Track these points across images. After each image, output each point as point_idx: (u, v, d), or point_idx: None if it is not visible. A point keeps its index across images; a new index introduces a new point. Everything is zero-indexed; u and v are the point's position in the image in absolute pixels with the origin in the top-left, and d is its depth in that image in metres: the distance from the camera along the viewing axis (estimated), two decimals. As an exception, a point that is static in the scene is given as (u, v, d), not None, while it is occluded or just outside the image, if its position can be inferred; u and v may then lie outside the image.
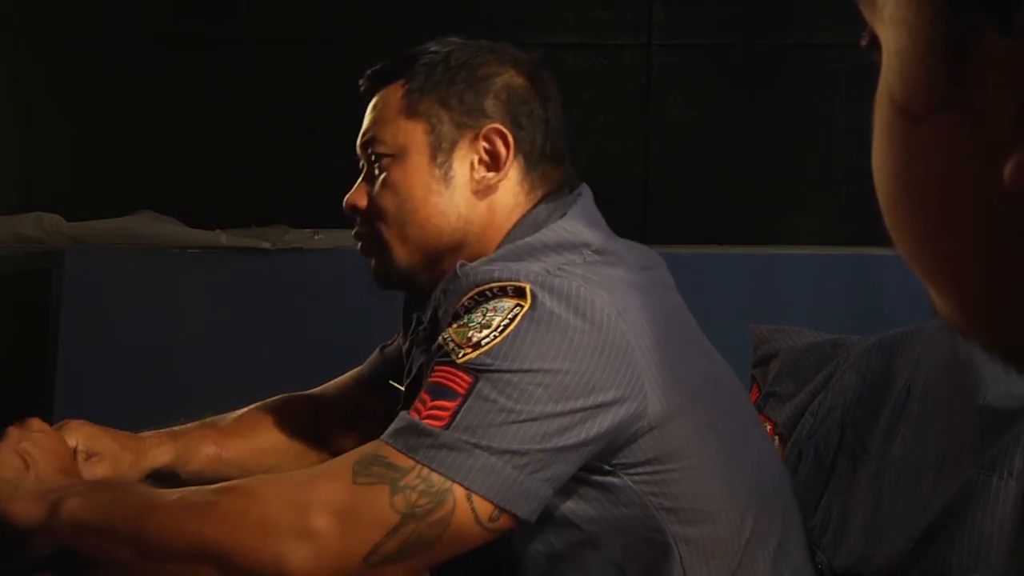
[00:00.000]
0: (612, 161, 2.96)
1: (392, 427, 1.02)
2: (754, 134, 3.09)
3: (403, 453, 0.98)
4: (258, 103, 3.26)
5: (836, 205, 3.08)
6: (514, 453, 0.98)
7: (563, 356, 1.01)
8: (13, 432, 1.12)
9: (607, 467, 1.07)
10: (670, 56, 3.08)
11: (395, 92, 1.19)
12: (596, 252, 1.13)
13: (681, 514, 1.09)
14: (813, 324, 1.63)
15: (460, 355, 1.01)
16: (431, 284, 1.18)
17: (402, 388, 1.27)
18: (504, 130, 1.16)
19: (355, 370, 1.47)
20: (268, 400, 1.45)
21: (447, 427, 0.98)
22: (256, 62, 3.26)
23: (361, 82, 1.24)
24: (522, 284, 1.04)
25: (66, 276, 1.42)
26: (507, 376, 1.00)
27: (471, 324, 1.03)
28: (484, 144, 1.16)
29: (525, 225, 1.16)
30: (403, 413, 1.03)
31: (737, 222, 2.96)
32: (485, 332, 1.02)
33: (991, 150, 0.32)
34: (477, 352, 1.01)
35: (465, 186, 1.16)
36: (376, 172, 1.19)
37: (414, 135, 1.16)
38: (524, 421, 0.99)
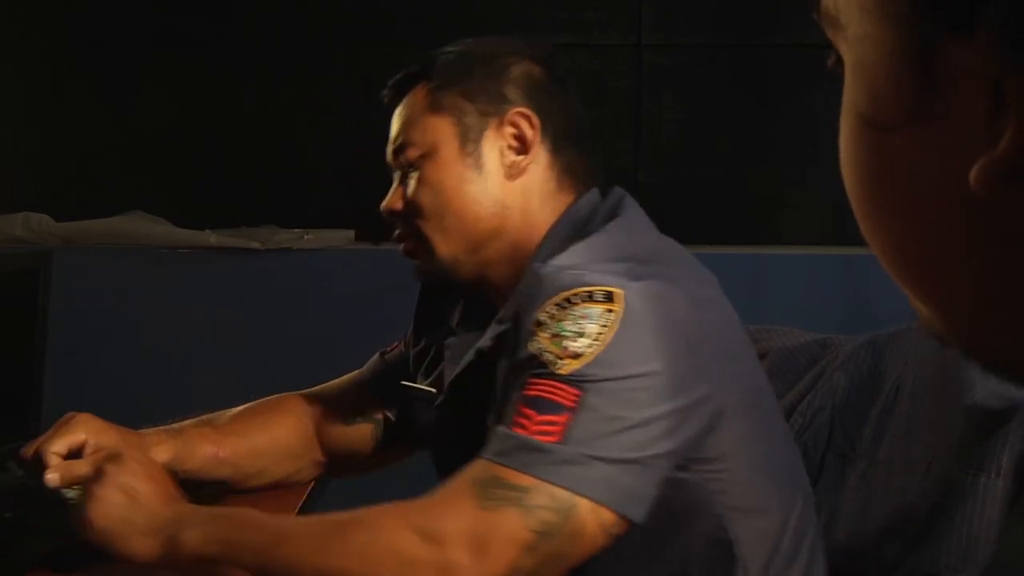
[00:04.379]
0: (602, 161, 2.96)
1: (496, 445, 1.02)
2: (745, 134, 3.09)
3: (521, 472, 1.00)
4: (247, 103, 3.25)
5: (827, 205, 3.08)
6: (629, 462, 1.01)
7: (657, 358, 1.03)
8: (110, 469, 1.12)
9: (680, 462, 1.08)
10: (660, 56, 3.08)
11: (418, 94, 1.24)
12: (661, 256, 1.16)
13: (741, 511, 1.11)
14: (804, 324, 1.63)
15: (560, 366, 1.02)
16: (474, 275, 1.20)
17: (425, 387, 1.28)
18: (528, 112, 1.19)
19: (353, 373, 1.46)
20: (265, 399, 1.45)
21: (562, 442, 1.00)
22: (245, 63, 3.25)
23: (384, 93, 1.29)
24: (610, 289, 1.05)
25: (54, 276, 1.42)
26: (612, 385, 1.02)
27: (564, 333, 1.04)
28: (510, 129, 1.19)
29: (572, 217, 1.18)
30: (503, 430, 1.03)
31: (728, 222, 2.96)
32: (582, 341, 1.03)
33: (958, 157, 0.33)
34: (579, 363, 1.02)
35: (497, 172, 1.19)
36: (410, 174, 1.22)
37: (442, 130, 1.20)
38: (633, 427, 1.02)
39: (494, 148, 1.19)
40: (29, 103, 3.25)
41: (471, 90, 1.20)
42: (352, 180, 3.24)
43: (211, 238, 3.01)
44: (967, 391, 1.17)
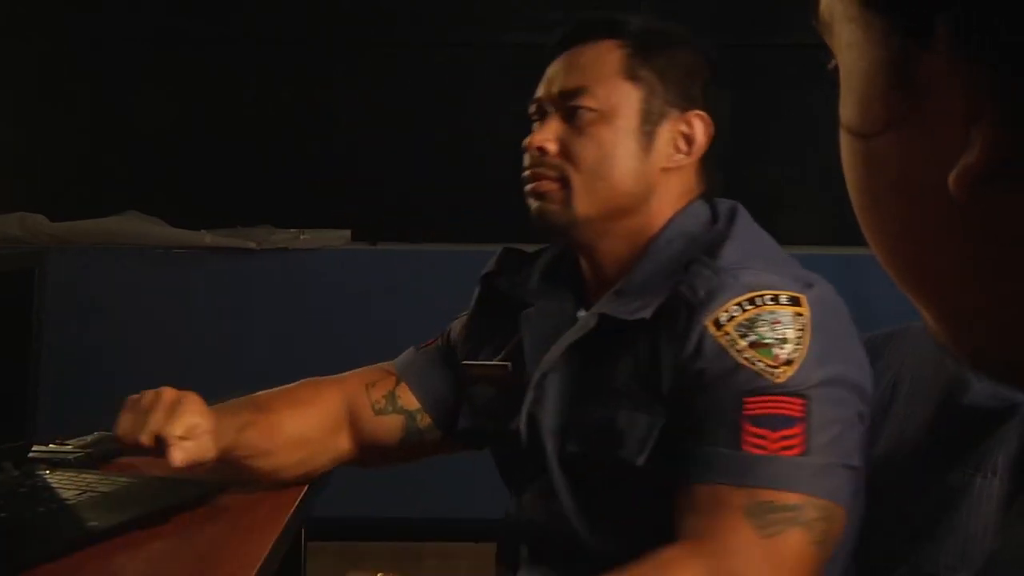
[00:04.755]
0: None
1: (735, 468, 1.06)
2: (743, 134, 3.09)
3: (787, 490, 1.04)
4: (243, 103, 3.25)
5: (827, 205, 3.08)
6: (853, 467, 1.08)
7: (846, 358, 1.10)
8: None
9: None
10: (657, 56, 3.08)
11: (610, 51, 1.22)
12: (790, 259, 1.22)
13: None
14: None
15: (777, 375, 1.07)
16: (590, 240, 1.21)
17: (497, 363, 1.28)
18: (707, 118, 1.22)
19: (382, 364, 1.43)
20: (296, 386, 1.39)
21: (806, 453, 1.05)
22: (242, 63, 3.24)
23: (564, 30, 1.26)
24: (795, 293, 1.10)
25: (49, 276, 1.41)
26: (824, 390, 1.07)
27: (766, 340, 1.08)
28: (684, 127, 1.21)
29: (690, 218, 1.21)
30: (732, 452, 1.06)
31: (724, 222, 2.96)
32: (788, 348, 1.07)
33: (938, 163, 0.34)
34: (792, 369, 1.07)
35: (659, 160, 1.21)
36: (574, 121, 1.21)
37: (629, 99, 1.20)
38: (851, 427, 1.09)
39: (665, 136, 1.21)
40: (25, 103, 3.24)
41: (666, 75, 1.22)
42: (348, 180, 3.23)
43: (207, 238, 3.01)
44: (964, 391, 1.17)
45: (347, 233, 3.10)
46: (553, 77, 1.24)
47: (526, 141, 1.23)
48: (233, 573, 1.13)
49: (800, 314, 1.10)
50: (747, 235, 1.20)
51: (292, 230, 3.05)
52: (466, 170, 3.22)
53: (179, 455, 1.16)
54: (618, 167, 1.20)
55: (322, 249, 3.04)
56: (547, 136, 1.21)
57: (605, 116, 1.20)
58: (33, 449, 1.42)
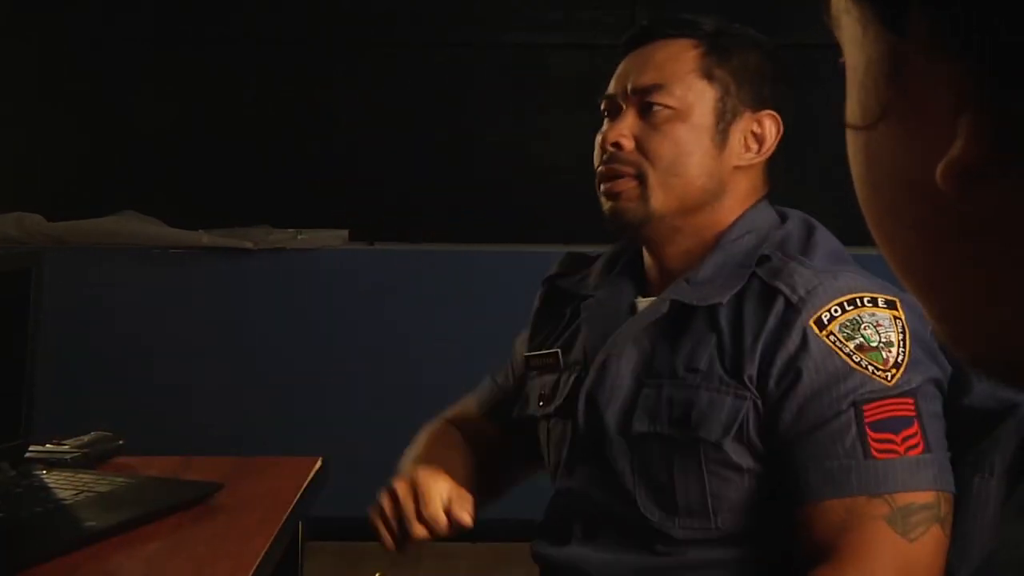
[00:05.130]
0: (597, 161, 2.96)
1: (868, 478, 1.08)
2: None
3: (923, 490, 1.08)
4: (241, 103, 3.25)
5: (825, 205, 3.08)
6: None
7: (935, 359, 1.14)
8: None
9: None
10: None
11: (686, 50, 1.25)
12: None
13: None
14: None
15: (889, 378, 1.11)
16: (663, 236, 1.24)
17: (550, 350, 1.30)
18: (778, 118, 1.25)
19: (468, 401, 1.43)
20: (433, 436, 1.40)
21: (929, 450, 1.10)
22: (240, 63, 3.24)
23: (640, 27, 1.28)
24: (891, 297, 1.15)
25: (46, 276, 1.41)
26: (924, 387, 1.12)
27: (872, 343, 1.12)
28: (755, 126, 1.24)
29: (760, 216, 1.25)
30: (864, 462, 1.09)
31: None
32: (894, 351, 1.12)
33: (928, 157, 0.34)
34: (900, 371, 1.11)
35: (731, 157, 1.24)
36: (650, 117, 1.23)
37: (704, 97, 1.23)
38: (943, 422, 1.13)
39: (738, 136, 1.24)
40: (23, 103, 3.24)
41: (741, 73, 1.24)
42: (346, 180, 3.23)
43: (204, 238, 3.01)
44: (963, 392, 1.17)
45: (344, 233, 3.10)
46: (627, 73, 1.25)
47: (600, 136, 1.24)
48: (230, 573, 1.12)
49: (898, 317, 1.14)
50: (833, 243, 1.24)
51: (290, 230, 3.05)
52: (464, 170, 3.22)
53: (466, 517, 1.19)
54: (693, 164, 1.22)
55: (320, 249, 3.04)
56: (623, 131, 1.22)
57: (681, 114, 1.22)
58: (30, 449, 1.42)
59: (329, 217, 3.11)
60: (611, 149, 1.22)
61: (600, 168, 1.23)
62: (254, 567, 1.13)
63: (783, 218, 1.26)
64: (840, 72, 0.40)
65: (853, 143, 0.38)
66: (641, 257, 1.30)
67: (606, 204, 1.24)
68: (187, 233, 3.01)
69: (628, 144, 1.22)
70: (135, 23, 3.20)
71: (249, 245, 3.00)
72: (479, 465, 1.35)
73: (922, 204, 0.35)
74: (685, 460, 1.16)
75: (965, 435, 1.14)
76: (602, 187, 1.23)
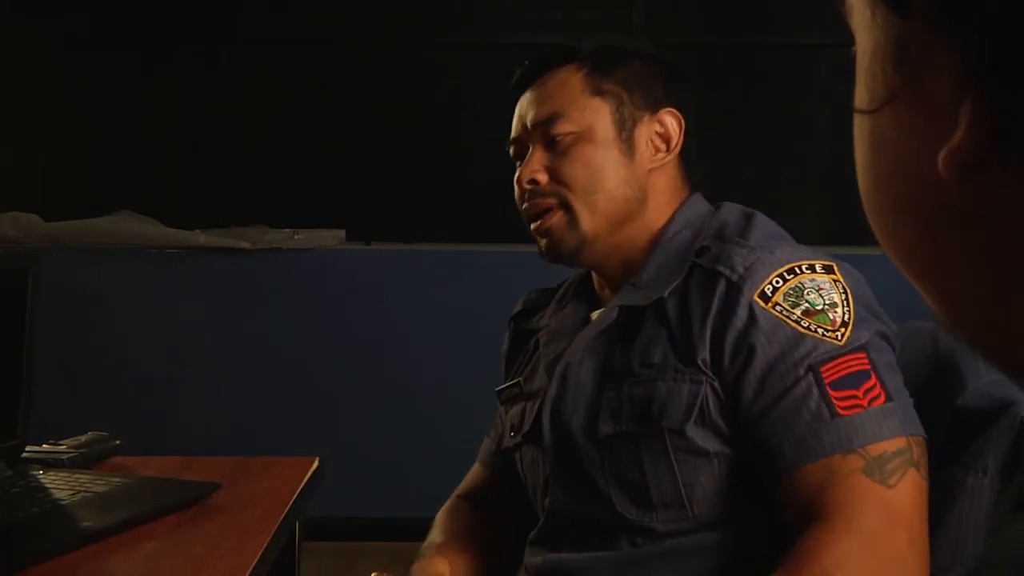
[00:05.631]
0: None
1: (839, 435, 1.09)
2: (735, 134, 3.09)
3: (893, 438, 1.10)
4: (238, 103, 3.25)
5: (817, 205, 3.09)
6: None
7: (879, 316, 1.18)
8: None
9: None
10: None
11: (572, 75, 1.28)
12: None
13: None
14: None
15: (839, 337, 1.14)
16: (602, 255, 1.27)
17: (514, 380, 1.33)
18: (677, 114, 1.28)
19: (475, 467, 1.43)
20: (454, 515, 1.40)
21: (891, 399, 1.11)
22: (236, 63, 3.24)
23: (523, 69, 1.31)
24: (827, 262, 1.19)
25: (43, 276, 1.41)
26: (873, 340, 1.15)
27: (817, 307, 1.15)
28: (658, 127, 1.28)
29: (691, 210, 1.28)
30: (832, 421, 1.10)
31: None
32: (839, 311, 1.15)
33: (931, 144, 0.34)
34: (849, 329, 1.14)
35: (643, 161, 1.27)
36: (556, 147, 1.26)
37: (600, 113, 1.26)
38: (899, 371, 1.16)
39: (643, 139, 1.27)
40: (18, 103, 3.24)
41: (629, 82, 1.27)
42: (343, 180, 3.23)
43: (201, 238, 3.01)
44: (957, 391, 1.17)
45: (341, 233, 3.10)
46: (524, 113, 1.29)
47: (516, 179, 1.28)
48: (228, 573, 1.13)
49: (837, 280, 1.17)
50: (772, 226, 1.27)
51: (286, 230, 3.05)
52: (461, 170, 3.22)
53: None
54: (609, 178, 1.25)
55: (316, 249, 3.04)
56: (535, 167, 1.26)
57: (584, 135, 1.25)
58: (27, 449, 1.42)
59: (326, 217, 3.11)
60: (528, 187, 1.25)
61: (524, 207, 1.27)
62: (251, 567, 1.14)
63: (717, 209, 1.29)
64: (841, 56, 0.40)
65: (859, 129, 0.38)
66: (588, 280, 1.33)
67: (541, 242, 1.27)
68: (184, 233, 3.01)
69: (543, 178, 1.25)
70: (131, 23, 3.20)
71: (246, 245, 3.00)
72: (488, 542, 1.36)
73: (924, 192, 0.35)
74: (653, 454, 1.18)
75: (959, 434, 1.14)
76: (532, 226, 1.27)
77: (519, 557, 1.37)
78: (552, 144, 1.26)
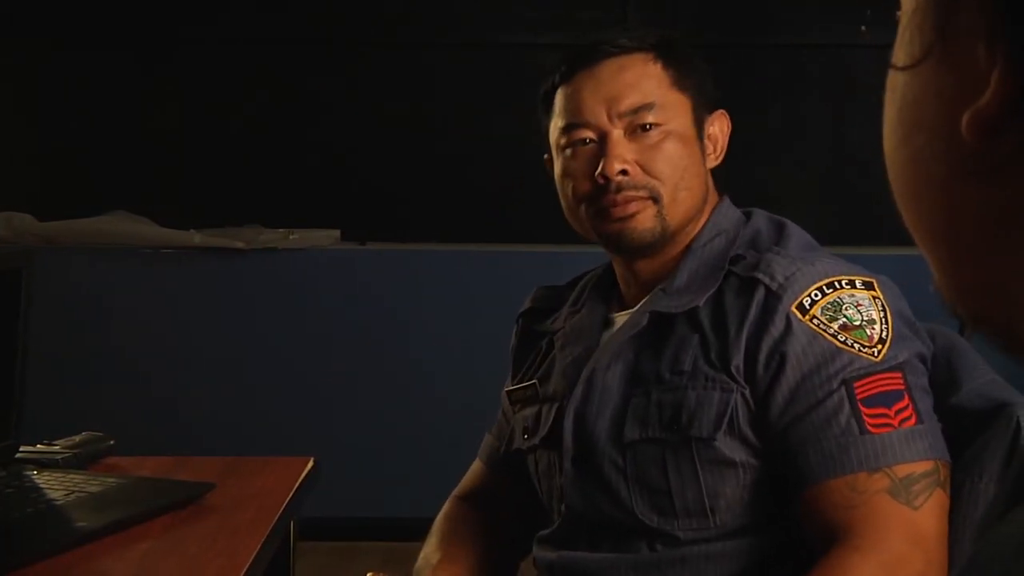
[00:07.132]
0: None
1: (867, 453, 1.09)
2: (735, 134, 3.09)
3: (921, 460, 1.10)
4: (233, 103, 3.24)
5: (824, 205, 3.09)
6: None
7: (917, 336, 1.18)
8: None
9: None
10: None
11: (650, 66, 1.25)
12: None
13: None
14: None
15: (875, 354, 1.13)
16: (654, 251, 1.24)
17: (529, 382, 1.32)
18: (727, 116, 1.29)
19: (474, 466, 1.42)
20: (448, 526, 1.37)
21: (922, 421, 1.11)
22: (231, 63, 3.24)
23: (591, 44, 1.26)
24: (868, 278, 1.18)
25: (36, 276, 1.41)
26: (911, 361, 1.14)
27: (855, 323, 1.14)
28: (712, 128, 1.28)
29: (724, 217, 1.27)
30: (860, 438, 1.09)
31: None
32: (877, 327, 1.14)
33: (961, 102, 0.35)
34: (885, 347, 1.13)
35: (708, 163, 1.28)
36: (644, 138, 1.23)
37: (683, 109, 1.25)
38: (931, 396, 1.16)
39: (706, 140, 1.27)
40: (11, 104, 3.23)
41: (699, 81, 1.27)
42: (338, 180, 3.23)
43: (195, 238, 3.00)
44: (952, 391, 1.17)
45: (336, 233, 3.10)
46: (598, 96, 1.23)
47: (601, 169, 1.21)
48: (222, 573, 1.12)
49: (877, 297, 1.16)
50: (805, 236, 1.26)
51: (281, 230, 3.05)
52: (456, 170, 3.22)
53: None
54: (693, 176, 1.24)
55: (311, 249, 3.03)
56: (624, 158, 1.22)
57: (672, 129, 1.23)
58: (20, 450, 1.42)
59: (321, 217, 3.11)
60: (619, 178, 1.20)
61: (612, 197, 1.21)
62: (246, 567, 1.13)
63: (748, 216, 1.28)
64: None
65: (891, 85, 0.39)
66: (606, 279, 1.31)
67: (616, 228, 1.22)
68: (178, 233, 3.01)
69: (634, 169, 1.21)
70: (127, 22, 3.20)
71: (241, 245, 3.00)
72: (488, 549, 1.34)
73: (946, 150, 0.36)
74: (679, 462, 1.16)
75: (954, 436, 1.14)
76: (615, 212, 1.21)
77: (519, 557, 1.37)
78: (637, 134, 1.22)
